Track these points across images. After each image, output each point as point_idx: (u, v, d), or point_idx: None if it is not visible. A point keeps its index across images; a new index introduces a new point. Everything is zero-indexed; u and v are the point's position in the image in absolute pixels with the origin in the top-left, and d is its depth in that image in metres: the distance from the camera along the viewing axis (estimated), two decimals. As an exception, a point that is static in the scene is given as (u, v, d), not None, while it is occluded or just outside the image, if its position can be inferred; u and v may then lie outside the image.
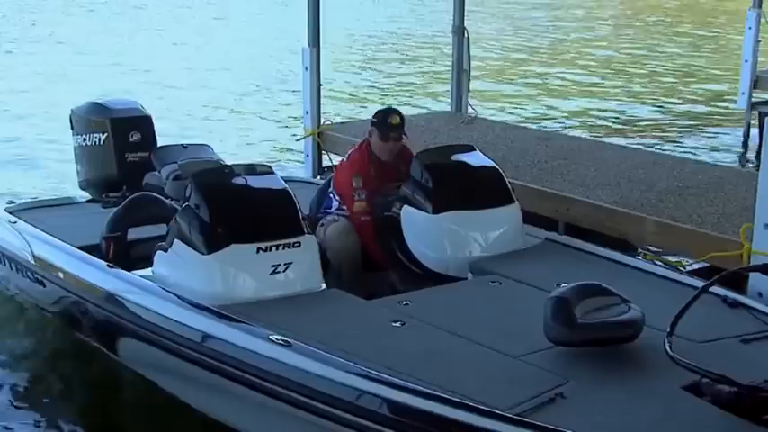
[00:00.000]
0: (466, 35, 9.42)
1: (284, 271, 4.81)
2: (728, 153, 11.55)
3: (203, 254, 4.75)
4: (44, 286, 5.70)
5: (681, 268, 6.18)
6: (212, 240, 4.75)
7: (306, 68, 8.25)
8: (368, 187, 5.70)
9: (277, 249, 4.79)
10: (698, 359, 3.72)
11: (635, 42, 22.63)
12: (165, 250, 4.99)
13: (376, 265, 5.67)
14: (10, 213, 6.38)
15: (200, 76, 16.41)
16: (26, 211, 6.55)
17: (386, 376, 3.78)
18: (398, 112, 5.90)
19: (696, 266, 6.10)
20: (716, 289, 4.60)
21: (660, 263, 5.98)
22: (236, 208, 4.94)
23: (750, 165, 10.46)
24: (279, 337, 4.16)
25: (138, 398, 5.15)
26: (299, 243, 4.88)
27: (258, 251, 4.76)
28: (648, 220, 6.28)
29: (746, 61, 11.19)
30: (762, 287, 5.18)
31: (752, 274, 5.18)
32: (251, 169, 5.19)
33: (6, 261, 6.14)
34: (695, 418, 3.55)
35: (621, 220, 6.41)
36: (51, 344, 5.86)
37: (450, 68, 9.61)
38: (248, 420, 4.44)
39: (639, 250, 6.89)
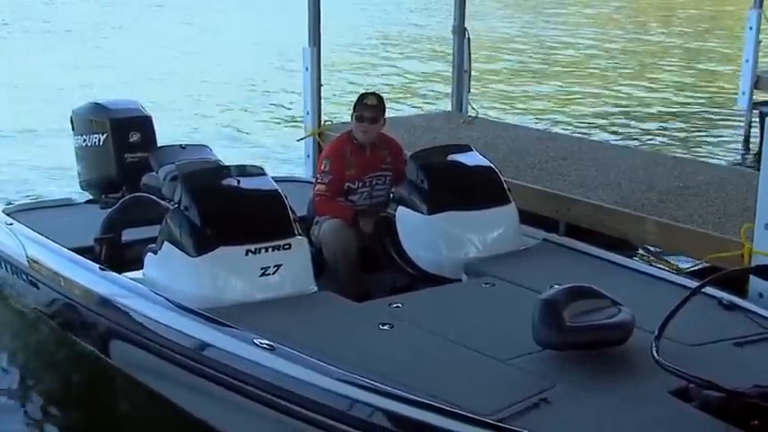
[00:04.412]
0: (466, 35, 9.40)
1: (274, 273, 4.77)
2: (729, 153, 11.49)
3: (192, 256, 4.72)
4: (38, 288, 5.69)
5: (677, 270, 6.14)
6: (201, 242, 4.72)
7: (306, 68, 8.21)
8: (340, 170, 5.69)
9: (266, 251, 4.76)
10: (688, 363, 3.66)
11: (636, 41, 22.54)
12: (155, 252, 4.97)
13: (376, 264, 5.63)
14: (7, 215, 6.37)
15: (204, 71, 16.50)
16: (23, 212, 6.54)
17: (367, 381, 3.74)
18: (377, 95, 5.87)
19: (697, 267, 6.06)
20: (712, 291, 4.56)
21: (658, 264, 5.92)
22: (226, 210, 4.91)
23: (751, 165, 10.37)
24: (263, 341, 4.12)
25: (131, 400, 5.14)
26: (290, 245, 4.84)
27: (247, 253, 4.72)
28: (649, 221, 6.24)
29: (747, 61, 11.11)
30: (762, 288, 5.12)
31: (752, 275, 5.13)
32: (242, 170, 5.16)
33: (2, 263, 6.14)
34: (682, 423, 3.50)
35: (622, 221, 6.38)
36: (46, 345, 5.84)
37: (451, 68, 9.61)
38: (234, 424, 4.41)
39: (640, 250, 6.85)
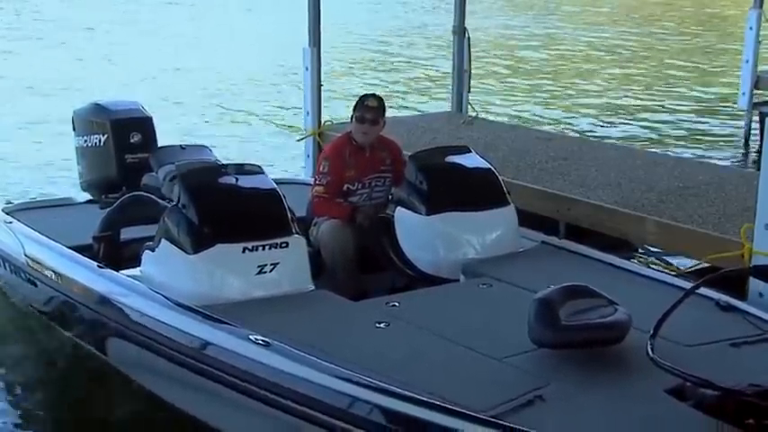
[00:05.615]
0: (466, 35, 9.40)
1: (271, 271, 4.77)
2: (729, 153, 11.49)
3: (189, 253, 4.72)
4: (36, 286, 5.70)
5: (674, 270, 6.15)
6: (198, 240, 4.72)
7: (306, 68, 8.21)
8: (339, 171, 5.68)
9: (263, 249, 4.76)
10: (684, 362, 3.65)
11: (636, 42, 22.55)
12: (153, 250, 4.98)
13: (374, 265, 5.62)
14: (7, 213, 6.38)
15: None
16: (23, 211, 6.55)
17: (362, 377, 3.74)
18: (378, 97, 5.86)
19: (696, 268, 6.06)
20: (709, 292, 4.57)
21: (656, 266, 5.92)
22: (223, 208, 4.91)
23: (751, 165, 10.39)
24: (258, 337, 4.13)
25: (128, 397, 5.14)
26: (287, 243, 4.84)
27: (244, 251, 4.72)
28: (649, 221, 6.23)
29: (747, 61, 11.10)
30: (762, 287, 5.12)
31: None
32: (240, 169, 5.17)
33: (1, 261, 6.15)
34: (677, 422, 3.49)
35: (622, 221, 6.37)
36: (43, 344, 5.85)
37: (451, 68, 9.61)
38: (229, 420, 4.41)
39: (640, 250, 6.85)
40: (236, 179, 5.07)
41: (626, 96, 15.48)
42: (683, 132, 12.70)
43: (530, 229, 5.85)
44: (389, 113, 6.01)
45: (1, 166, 10.19)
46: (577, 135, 11.66)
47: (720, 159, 10.77)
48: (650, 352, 3.63)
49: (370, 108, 5.75)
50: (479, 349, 4.10)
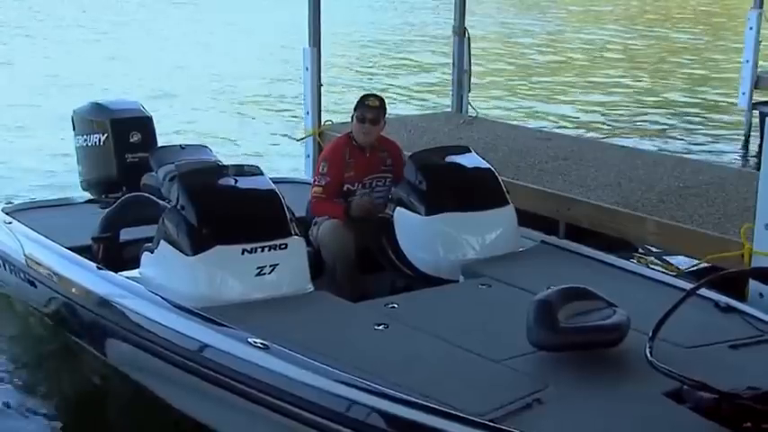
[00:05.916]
0: (467, 35, 9.40)
1: (270, 273, 4.76)
2: (729, 153, 11.49)
3: (188, 255, 4.71)
4: (35, 287, 5.70)
5: (674, 270, 6.14)
6: (197, 241, 4.72)
7: (306, 68, 8.19)
8: (338, 172, 5.66)
9: (263, 251, 4.75)
10: (683, 365, 3.65)
11: (636, 41, 22.54)
12: (152, 251, 4.97)
13: (374, 265, 5.62)
14: (6, 214, 6.38)
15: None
16: (23, 211, 6.55)
17: (361, 380, 3.74)
18: (379, 97, 5.85)
19: (696, 267, 6.05)
20: (709, 293, 4.55)
21: (655, 266, 5.91)
22: (222, 209, 4.90)
23: (751, 165, 10.38)
24: (257, 340, 4.12)
25: (127, 399, 5.15)
26: (286, 245, 4.84)
27: (243, 252, 4.71)
28: (649, 221, 6.23)
29: (747, 61, 11.14)
30: (762, 288, 5.11)
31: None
32: (239, 170, 5.16)
33: (1, 261, 6.15)
34: (674, 425, 3.49)
35: (622, 221, 6.37)
36: (42, 344, 5.86)
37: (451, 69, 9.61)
38: (227, 422, 4.41)
39: (640, 250, 6.85)
40: (236, 180, 5.07)
41: (625, 96, 15.47)
42: (683, 132, 12.69)
43: (530, 229, 5.84)
44: (389, 113, 5.99)
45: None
46: (578, 134, 11.66)
47: (720, 159, 10.77)
48: (648, 354, 3.63)
49: (370, 108, 5.73)
50: (478, 351, 4.09)
